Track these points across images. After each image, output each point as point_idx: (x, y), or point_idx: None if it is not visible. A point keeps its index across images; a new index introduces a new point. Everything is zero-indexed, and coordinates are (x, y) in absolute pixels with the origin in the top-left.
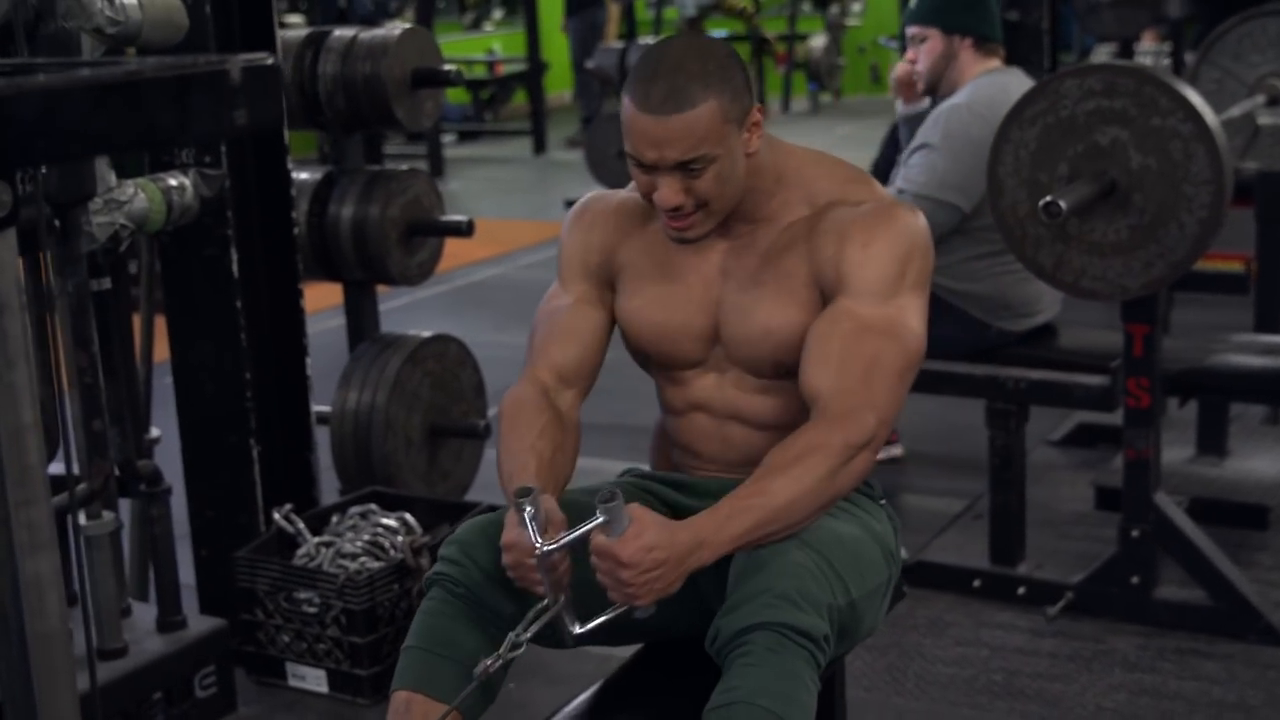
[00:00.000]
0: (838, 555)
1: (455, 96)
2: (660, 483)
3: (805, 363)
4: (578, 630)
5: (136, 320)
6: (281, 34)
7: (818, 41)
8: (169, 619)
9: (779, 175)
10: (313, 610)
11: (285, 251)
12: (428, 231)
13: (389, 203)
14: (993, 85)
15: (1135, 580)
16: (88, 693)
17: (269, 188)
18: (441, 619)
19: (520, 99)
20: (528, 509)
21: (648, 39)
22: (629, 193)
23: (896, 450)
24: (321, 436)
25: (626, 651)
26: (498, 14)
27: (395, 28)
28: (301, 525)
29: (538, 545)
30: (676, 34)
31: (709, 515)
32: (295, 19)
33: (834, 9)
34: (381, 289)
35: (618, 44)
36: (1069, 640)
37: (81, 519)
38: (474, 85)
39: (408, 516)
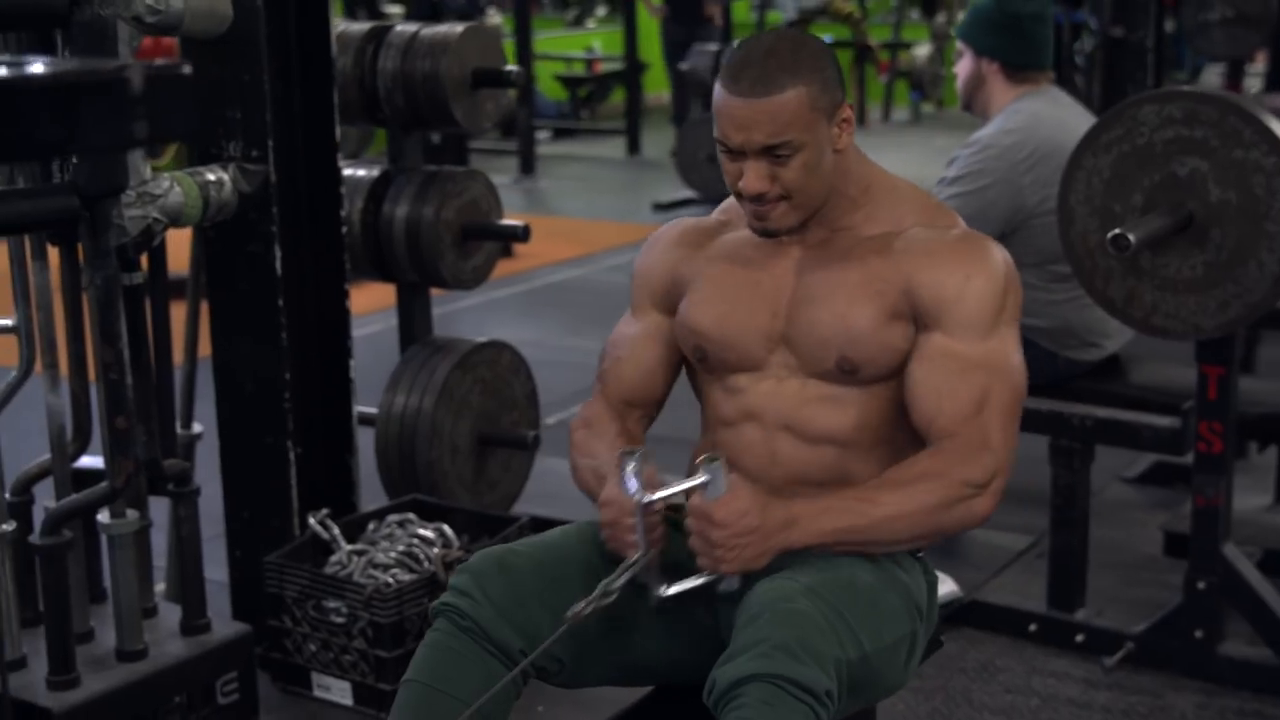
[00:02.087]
0: (851, 605)
1: (552, 93)
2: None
3: (915, 397)
4: (664, 592)
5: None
6: (344, 27)
7: (922, 50)
8: (193, 622)
9: (866, 187)
10: (340, 620)
11: (333, 250)
12: (482, 235)
13: (444, 204)
14: (1020, 114)
15: (1199, 634)
16: (106, 692)
17: (319, 184)
18: (446, 653)
19: (618, 98)
20: (631, 464)
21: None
22: (705, 216)
23: None
24: (370, 440)
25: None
26: (601, 11)
27: (457, 25)
28: (336, 531)
29: (638, 495)
30: (774, 29)
31: (809, 502)
32: (395, 9)
33: (940, 18)
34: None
35: (713, 46)
36: (1125, 694)
37: (105, 517)
38: (571, 83)
39: (445, 528)
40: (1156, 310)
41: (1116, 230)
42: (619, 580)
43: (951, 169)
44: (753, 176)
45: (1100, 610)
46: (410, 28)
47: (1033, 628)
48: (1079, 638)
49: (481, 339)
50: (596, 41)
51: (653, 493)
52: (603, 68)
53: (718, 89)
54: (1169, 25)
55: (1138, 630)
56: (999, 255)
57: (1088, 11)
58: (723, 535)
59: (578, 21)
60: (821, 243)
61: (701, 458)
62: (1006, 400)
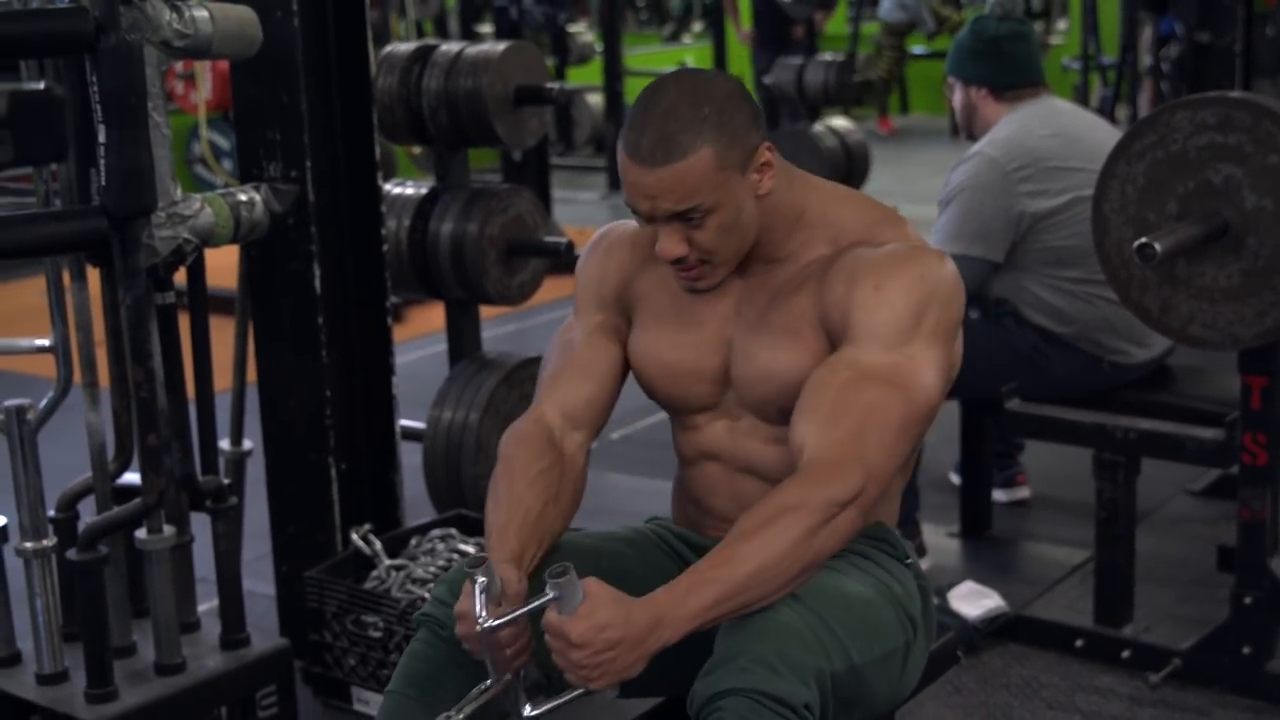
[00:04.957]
0: (839, 617)
1: None
2: (678, 539)
3: (796, 412)
4: (528, 712)
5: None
6: (391, 47)
7: None
8: (232, 636)
9: (799, 214)
10: (377, 635)
11: (374, 268)
12: (526, 251)
13: (488, 221)
14: (1008, 125)
15: (1247, 651)
16: (143, 705)
17: (359, 203)
18: (426, 663)
19: None
20: (479, 579)
21: (828, 55)
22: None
23: (1023, 492)
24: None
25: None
26: (698, 26)
27: (500, 44)
28: (378, 546)
29: (480, 620)
30: (674, 73)
31: (668, 590)
32: (485, 28)
33: (1037, 26)
34: (531, 303)
35: (796, 60)
36: (1170, 711)
37: (143, 533)
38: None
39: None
40: (1194, 320)
41: (1143, 239)
42: (467, 709)
43: (947, 189)
44: (667, 243)
45: (1148, 626)
46: (454, 47)
47: (1079, 644)
48: (1126, 654)
49: (531, 354)
50: (689, 57)
51: (498, 615)
52: None
53: (620, 150)
54: (1269, 30)
55: (1185, 646)
56: (929, 267)
57: (1174, 16)
58: (584, 656)
59: (674, 37)
60: (758, 276)
61: (550, 570)
62: (897, 417)
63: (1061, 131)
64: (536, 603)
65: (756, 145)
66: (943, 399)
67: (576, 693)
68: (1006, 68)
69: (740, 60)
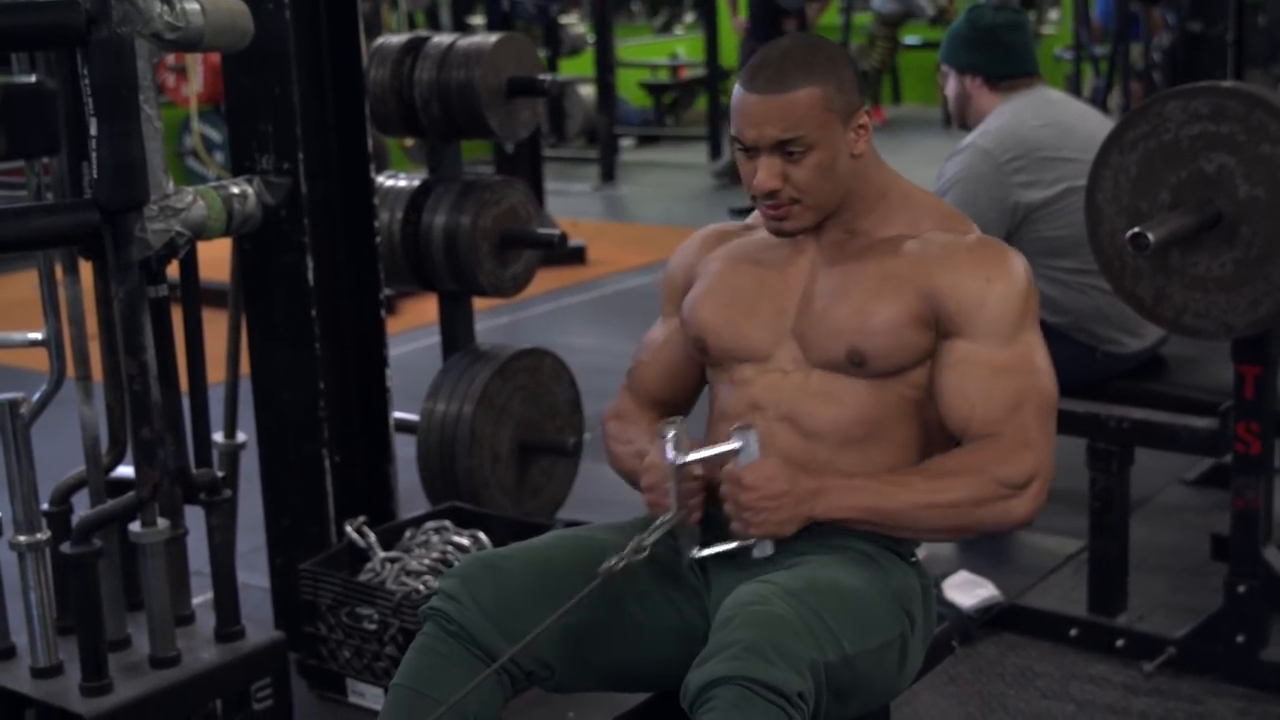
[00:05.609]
0: (831, 608)
1: (637, 100)
2: None
3: (948, 404)
4: (697, 553)
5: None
6: (383, 39)
7: None
8: (227, 629)
9: (884, 192)
10: (372, 627)
11: (367, 260)
12: (519, 243)
13: (481, 212)
14: (1001, 116)
15: (1240, 639)
16: (138, 698)
17: (352, 195)
18: (433, 657)
19: (702, 104)
20: (671, 431)
21: None
22: (729, 223)
23: None
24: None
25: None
26: (689, 17)
27: (491, 35)
28: (373, 539)
29: (674, 457)
30: (791, 33)
31: (838, 476)
32: (477, 20)
33: (1029, 16)
34: (525, 294)
35: None
36: (1164, 700)
37: (137, 526)
38: (655, 89)
39: (481, 535)
40: (1187, 310)
41: (1136, 229)
42: (652, 537)
43: (940, 180)
44: (765, 173)
45: (1142, 615)
46: (446, 38)
47: (1073, 633)
48: (1120, 643)
49: (524, 346)
50: (681, 48)
51: (686, 455)
52: (687, 74)
53: (736, 89)
54: (1261, 19)
55: (1179, 635)
56: (1017, 260)
57: (1164, 7)
58: (752, 498)
59: (666, 28)
60: (837, 243)
61: (735, 426)
62: (1041, 401)
63: (1054, 121)
64: (723, 447)
65: (858, 106)
66: None
67: (737, 544)
68: (1002, 57)
69: (731, 52)
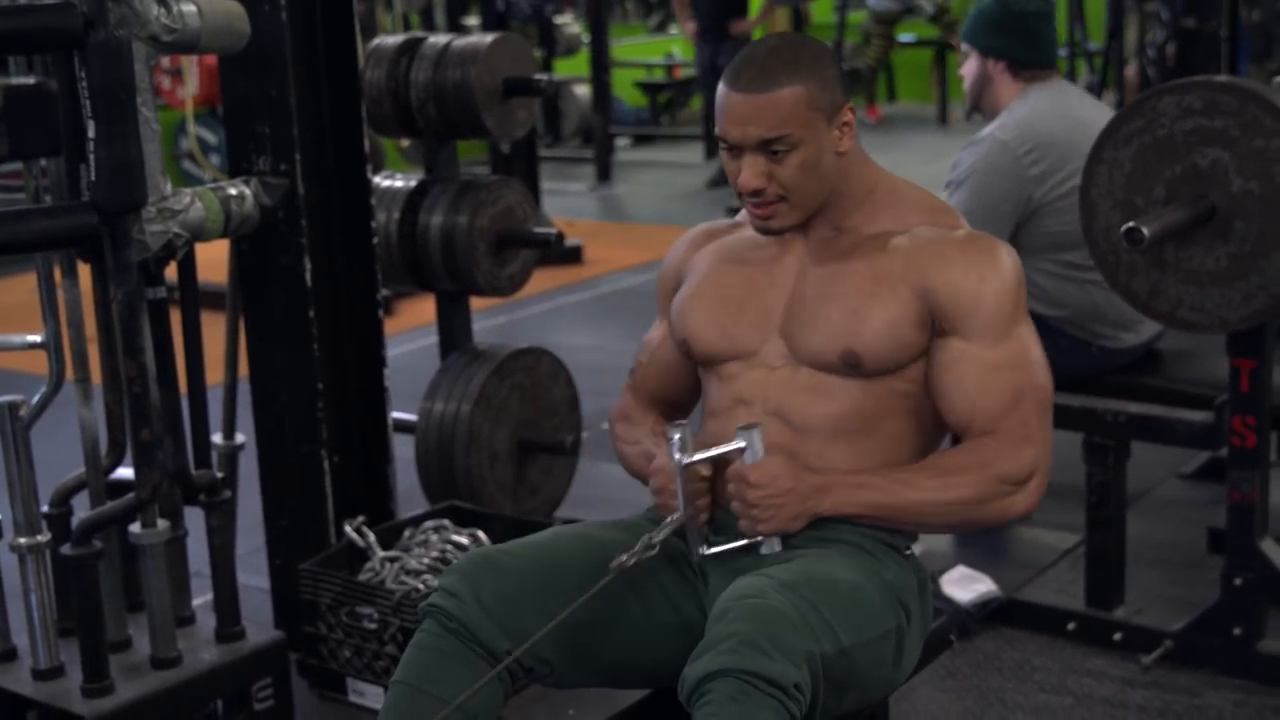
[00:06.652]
0: (827, 600)
1: (632, 100)
2: None
3: (948, 402)
4: (705, 550)
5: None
6: (379, 40)
7: None
8: (227, 630)
9: (870, 188)
10: (372, 626)
11: (364, 261)
12: (516, 243)
13: (478, 212)
14: (1021, 108)
15: (1237, 631)
16: (139, 699)
17: (349, 196)
18: (432, 654)
19: (697, 104)
20: (677, 433)
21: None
22: (718, 222)
23: None
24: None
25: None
26: None
27: (487, 36)
28: (372, 538)
29: (680, 458)
30: (777, 32)
31: (844, 472)
32: (472, 21)
33: None
34: (522, 294)
35: None
36: (1162, 692)
37: (137, 528)
38: (651, 89)
39: (480, 534)
40: (1182, 304)
41: (1130, 223)
42: (661, 535)
43: (956, 171)
44: (749, 172)
45: (1140, 609)
46: (442, 39)
47: (1071, 626)
48: (1117, 636)
49: (521, 345)
50: (676, 47)
51: (693, 457)
52: (682, 73)
53: (720, 88)
54: (1255, 14)
55: (1176, 628)
56: (1007, 255)
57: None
58: (758, 496)
59: (661, 27)
60: (825, 241)
61: (740, 425)
62: (1038, 394)
63: (1069, 115)
64: (729, 446)
65: (843, 103)
66: None
67: (745, 541)
68: (1030, 45)
69: None
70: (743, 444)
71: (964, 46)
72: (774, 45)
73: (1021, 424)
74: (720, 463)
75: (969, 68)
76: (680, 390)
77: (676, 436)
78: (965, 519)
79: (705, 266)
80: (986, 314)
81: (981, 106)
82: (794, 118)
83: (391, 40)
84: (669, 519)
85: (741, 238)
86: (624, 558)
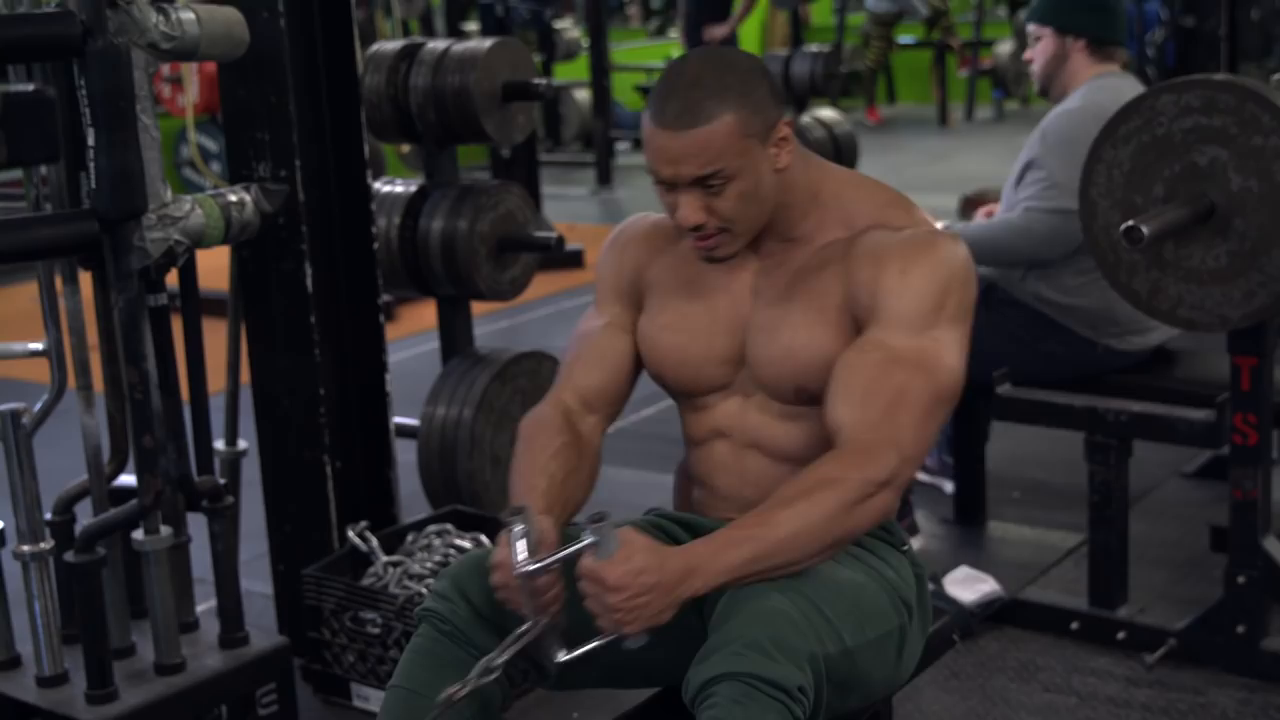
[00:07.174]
0: (831, 601)
1: (633, 104)
2: (676, 523)
3: (830, 393)
4: (561, 657)
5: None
6: (378, 46)
7: (1004, 47)
8: (231, 635)
9: (814, 194)
10: (375, 631)
11: (365, 266)
12: (516, 247)
13: (478, 217)
14: (1105, 89)
15: (1241, 630)
16: (143, 705)
17: (349, 201)
18: (427, 658)
19: None
20: (516, 527)
21: (816, 47)
22: (664, 217)
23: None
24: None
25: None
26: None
27: (486, 40)
28: (375, 543)
29: (518, 565)
30: (699, 49)
31: (705, 542)
32: (471, 26)
33: (1022, 15)
34: (523, 298)
35: (783, 51)
36: (1166, 691)
37: (140, 534)
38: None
39: (482, 538)
40: (1182, 302)
41: (1129, 222)
42: (502, 657)
43: (1032, 150)
44: (687, 209)
45: (1143, 608)
46: (441, 44)
47: (1074, 626)
48: (1121, 635)
49: (523, 349)
50: (675, 51)
51: (535, 560)
52: None
53: (645, 120)
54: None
55: (1180, 627)
56: (949, 251)
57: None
58: (620, 599)
59: (660, 31)
60: (774, 255)
61: (590, 516)
62: (925, 400)
63: None
64: (575, 546)
65: (776, 119)
66: (963, 378)
67: (608, 638)
68: (1110, 21)
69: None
70: (592, 539)
71: (1033, 29)
72: (696, 73)
73: (892, 429)
74: (571, 561)
75: (1042, 48)
76: (618, 389)
77: (520, 543)
78: (840, 534)
79: (668, 285)
80: (903, 303)
81: (1051, 89)
82: (728, 150)
83: (390, 46)
84: (515, 632)
85: (694, 251)
86: (456, 687)
